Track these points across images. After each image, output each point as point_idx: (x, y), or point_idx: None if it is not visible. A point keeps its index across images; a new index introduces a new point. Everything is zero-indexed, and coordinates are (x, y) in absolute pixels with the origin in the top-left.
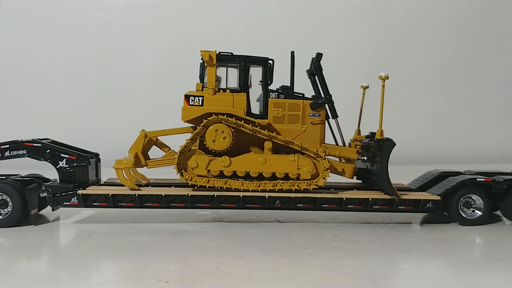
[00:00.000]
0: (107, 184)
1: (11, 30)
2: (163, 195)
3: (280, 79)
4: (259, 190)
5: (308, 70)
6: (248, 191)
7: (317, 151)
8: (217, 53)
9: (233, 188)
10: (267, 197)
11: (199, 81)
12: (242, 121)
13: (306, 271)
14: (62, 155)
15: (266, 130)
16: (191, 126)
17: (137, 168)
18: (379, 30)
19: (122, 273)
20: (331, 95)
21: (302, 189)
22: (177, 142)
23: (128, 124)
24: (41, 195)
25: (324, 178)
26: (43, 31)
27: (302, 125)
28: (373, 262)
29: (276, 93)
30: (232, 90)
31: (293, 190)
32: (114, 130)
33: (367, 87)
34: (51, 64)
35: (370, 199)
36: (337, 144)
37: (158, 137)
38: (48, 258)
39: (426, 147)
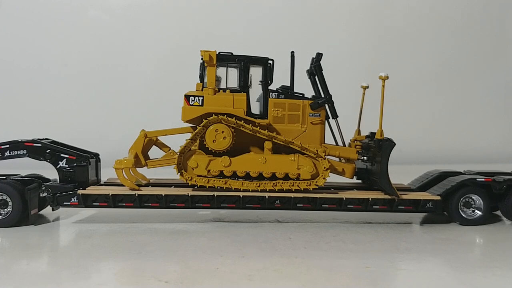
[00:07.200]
0: (107, 184)
1: (11, 30)
2: (163, 195)
3: (280, 79)
4: (259, 190)
5: (308, 70)
6: (248, 191)
7: (317, 151)
8: (217, 53)
9: (233, 188)
10: (267, 197)
11: (199, 81)
12: (242, 121)
13: (306, 271)
14: (62, 155)
15: (266, 130)
16: (191, 126)
17: (137, 168)
18: (379, 30)
19: (122, 273)
20: (331, 95)
21: (302, 189)
22: (177, 142)
23: (128, 124)
24: (41, 195)
25: (324, 178)
26: (43, 31)
27: (302, 125)
28: (373, 262)
29: (276, 93)
30: (232, 90)
31: (293, 190)
32: (114, 130)
33: (367, 87)
34: (51, 64)
35: (370, 199)
36: (337, 144)
37: (158, 137)
38: (48, 258)
39: (426, 147)
